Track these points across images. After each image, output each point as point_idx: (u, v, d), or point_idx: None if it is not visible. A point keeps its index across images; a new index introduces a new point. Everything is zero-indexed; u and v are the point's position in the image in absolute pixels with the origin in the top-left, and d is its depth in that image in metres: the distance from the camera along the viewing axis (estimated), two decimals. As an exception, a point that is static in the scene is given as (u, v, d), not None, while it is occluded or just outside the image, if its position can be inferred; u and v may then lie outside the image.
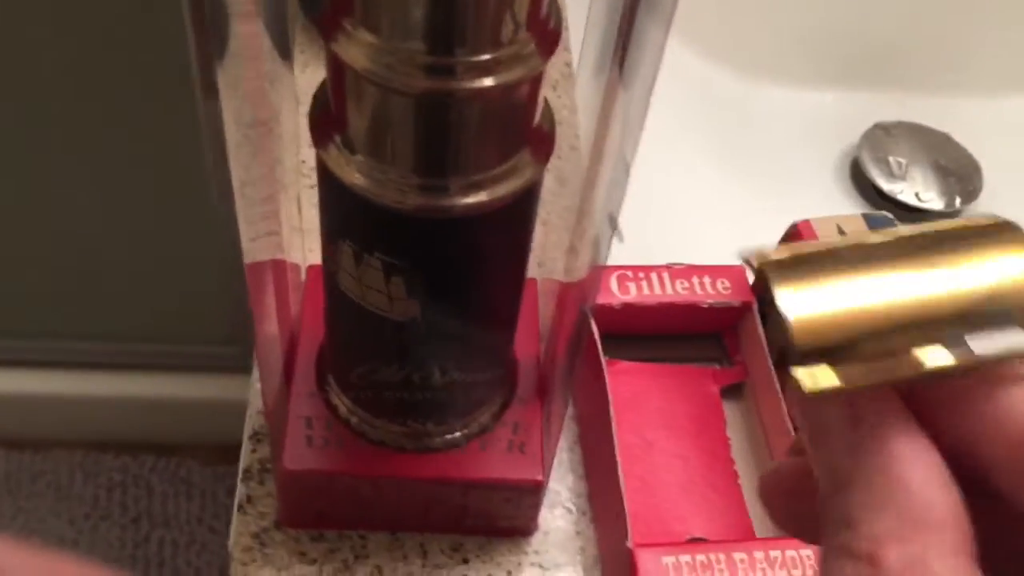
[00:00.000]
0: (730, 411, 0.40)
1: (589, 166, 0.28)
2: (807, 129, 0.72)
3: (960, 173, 0.69)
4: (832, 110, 0.73)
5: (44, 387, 1.15)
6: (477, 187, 0.26)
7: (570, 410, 0.40)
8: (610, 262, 0.51)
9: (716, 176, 0.67)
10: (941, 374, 0.16)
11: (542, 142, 0.28)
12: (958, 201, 0.67)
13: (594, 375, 0.37)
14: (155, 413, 1.15)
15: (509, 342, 0.33)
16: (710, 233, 0.54)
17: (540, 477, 0.33)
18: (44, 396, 1.15)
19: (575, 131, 0.53)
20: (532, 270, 0.45)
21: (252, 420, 0.38)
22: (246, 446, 0.37)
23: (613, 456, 0.34)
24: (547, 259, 0.46)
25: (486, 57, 0.24)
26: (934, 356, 0.16)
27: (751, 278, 0.40)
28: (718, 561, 0.33)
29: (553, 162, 0.51)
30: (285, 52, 0.27)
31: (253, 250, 0.27)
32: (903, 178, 0.68)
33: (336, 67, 0.24)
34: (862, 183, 0.69)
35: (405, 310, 0.28)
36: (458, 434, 0.34)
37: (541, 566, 0.35)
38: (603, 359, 0.37)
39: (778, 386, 0.37)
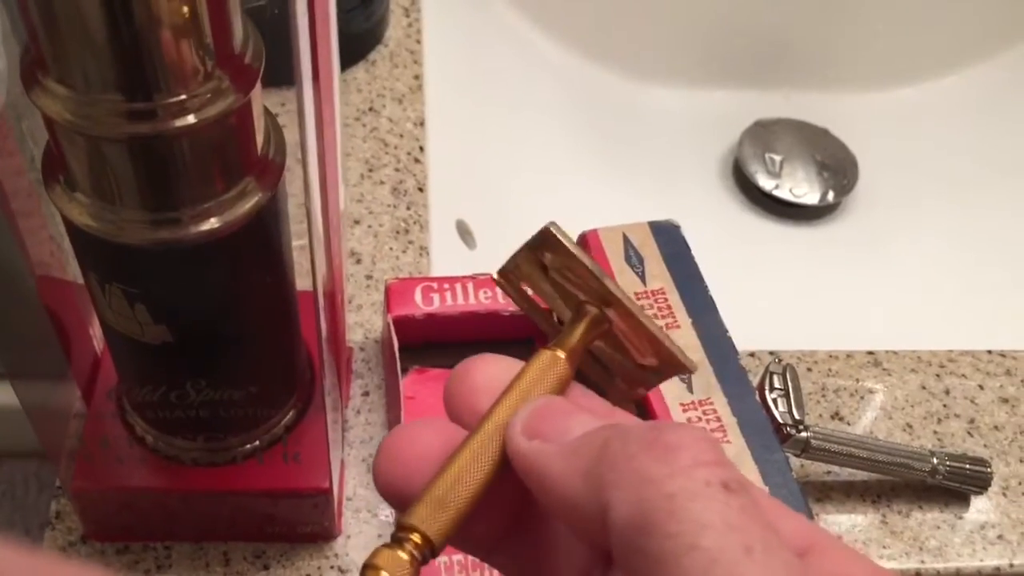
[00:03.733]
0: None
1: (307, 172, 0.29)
2: (691, 128, 0.74)
3: (836, 168, 0.70)
4: (716, 109, 0.75)
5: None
6: (204, 215, 0.28)
7: (384, 416, 0.42)
8: (467, 270, 0.53)
9: (599, 179, 0.69)
10: None
11: (267, 169, 0.29)
12: (831, 195, 0.68)
13: (393, 384, 0.39)
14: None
15: (278, 357, 0.35)
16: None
17: (323, 484, 0.35)
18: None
19: (419, 144, 0.54)
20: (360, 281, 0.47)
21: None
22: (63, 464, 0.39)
23: (401, 461, 0.36)
24: (376, 270, 0.48)
25: (183, 97, 0.25)
26: None
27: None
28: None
29: (391, 173, 0.53)
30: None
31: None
32: (779, 175, 0.70)
33: (44, 115, 0.26)
34: (744, 181, 0.71)
35: (155, 335, 0.30)
36: (248, 447, 0.35)
37: (340, 569, 0.37)
38: (399, 368, 0.38)
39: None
